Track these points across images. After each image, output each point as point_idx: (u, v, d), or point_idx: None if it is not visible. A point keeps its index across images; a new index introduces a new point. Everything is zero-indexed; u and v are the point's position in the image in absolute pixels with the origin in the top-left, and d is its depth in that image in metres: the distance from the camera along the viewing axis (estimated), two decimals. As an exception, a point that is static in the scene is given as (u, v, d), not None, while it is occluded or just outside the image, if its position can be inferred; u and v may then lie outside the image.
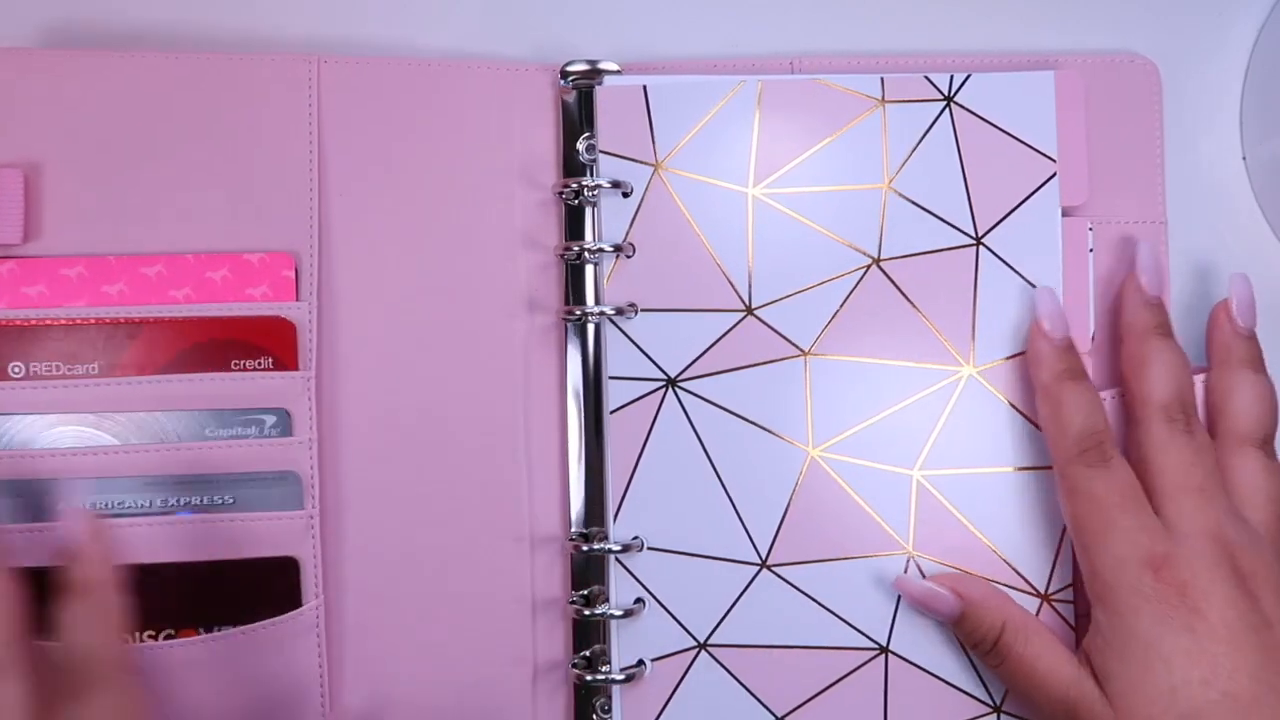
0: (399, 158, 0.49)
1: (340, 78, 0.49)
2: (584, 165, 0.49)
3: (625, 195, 0.48)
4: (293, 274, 0.48)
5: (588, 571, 0.48)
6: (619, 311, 0.48)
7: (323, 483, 0.47)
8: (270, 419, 0.47)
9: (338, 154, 0.48)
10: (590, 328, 0.48)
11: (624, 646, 0.48)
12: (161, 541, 0.46)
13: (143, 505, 0.46)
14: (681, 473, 0.48)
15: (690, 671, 0.48)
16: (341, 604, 0.47)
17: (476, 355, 0.48)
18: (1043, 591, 0.48)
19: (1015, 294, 0.49)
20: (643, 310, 0.48)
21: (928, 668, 0.48)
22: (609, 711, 0.48)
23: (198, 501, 0.47)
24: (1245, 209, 0.53)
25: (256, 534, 0.46)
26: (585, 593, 0.48)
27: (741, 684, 0.48)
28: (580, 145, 0.49)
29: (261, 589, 0.47)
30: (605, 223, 0.48)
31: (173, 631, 0.46)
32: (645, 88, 0.48)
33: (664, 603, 0.48)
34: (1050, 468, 0.47)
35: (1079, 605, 0.48)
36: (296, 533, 0.47)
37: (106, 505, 0.46)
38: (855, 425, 0.48)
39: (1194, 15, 0.53)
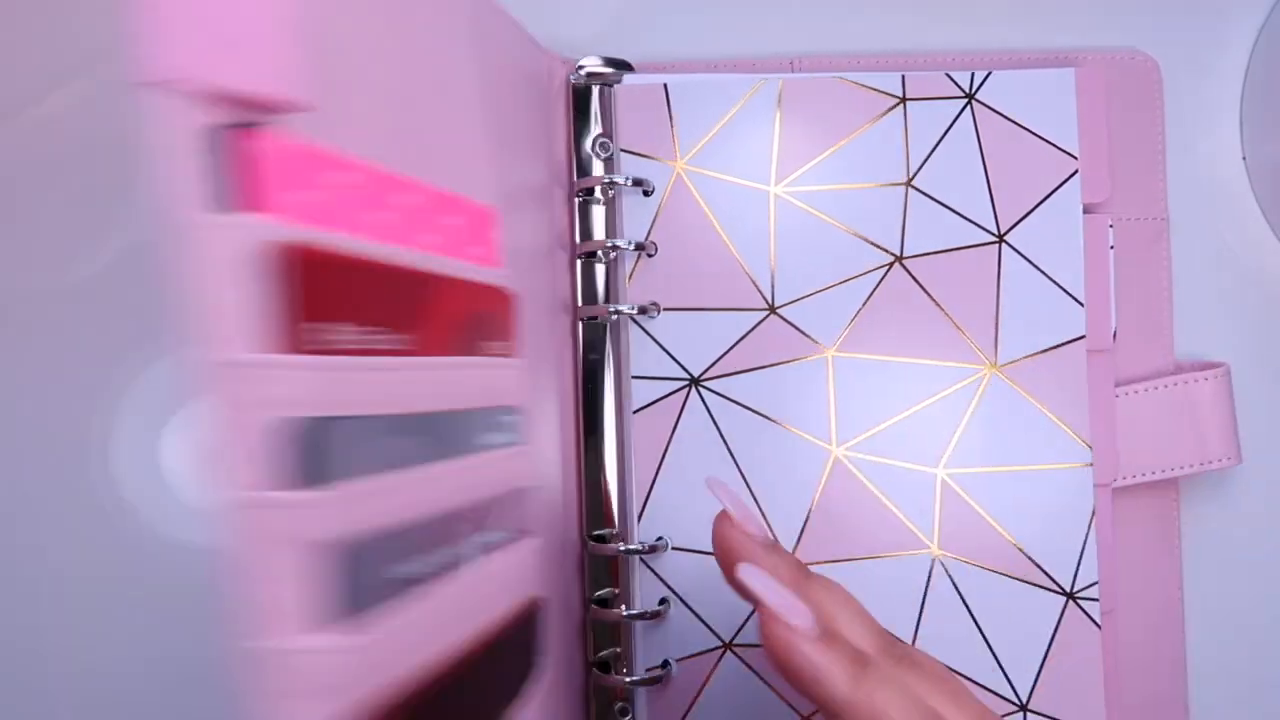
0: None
1: None
2: (600, 163, 0.48)
3: (646, 194, 0.48)
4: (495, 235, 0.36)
5: (611, 573, 0.48)
6: (641, 310, 0.47)
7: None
8: (508, 419, 0.35)
9: None
10: (612, 327, 0.48)
11: (649, 647, 0.48)
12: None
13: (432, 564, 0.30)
14: (705, 472, 0.48)
15: (715, 672, 0.48)
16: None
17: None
18: (1068, 590, 0.48)
19: (1038, 291, 0.49)
20: (665, 309, 0.48)
21: (953, 666, 0.48)
22: (629, 714, 0.47)
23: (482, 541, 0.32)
24: (1245, 209, 0.53)
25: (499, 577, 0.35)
26: (606, 594, 0.47)
27: (767, 684, 0.48)
28: (595, 144, 0.48)
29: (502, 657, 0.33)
30: (627, 221, 0.48)
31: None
32: (666, 86, 0.48)
33: (689, 603, 0.48)
34: (1076, 464, 0.48)
35: (1104, 603, 0.48)
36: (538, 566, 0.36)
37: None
38: (879, 423, 0.48)
39: (1194, 15, 0.53)
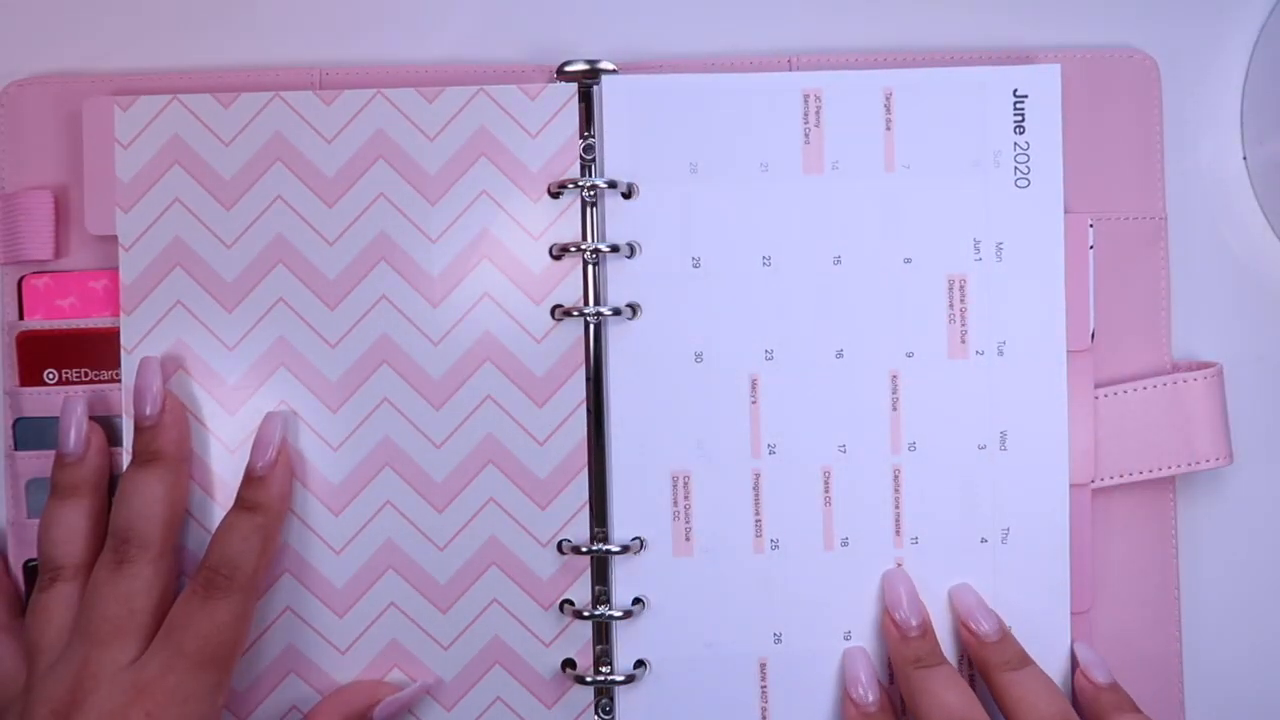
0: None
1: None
2: (583, 165, 0.49)
3: (625, 196, 0.48)
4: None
5: (590, 572, 0.48)
6: (618, 312, 0.48)
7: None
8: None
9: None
10: (591, 328, 0.48)
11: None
12: None
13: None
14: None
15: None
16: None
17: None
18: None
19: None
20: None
21: None
22: (610, 712, 0.48)
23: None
24: (1245, 209, 0.53)
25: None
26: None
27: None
28: (579, 145, 0.49)
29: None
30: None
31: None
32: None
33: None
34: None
35: (1078, 604, 0.49)
36: None
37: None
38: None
39: (1194, 15, 0.53)
